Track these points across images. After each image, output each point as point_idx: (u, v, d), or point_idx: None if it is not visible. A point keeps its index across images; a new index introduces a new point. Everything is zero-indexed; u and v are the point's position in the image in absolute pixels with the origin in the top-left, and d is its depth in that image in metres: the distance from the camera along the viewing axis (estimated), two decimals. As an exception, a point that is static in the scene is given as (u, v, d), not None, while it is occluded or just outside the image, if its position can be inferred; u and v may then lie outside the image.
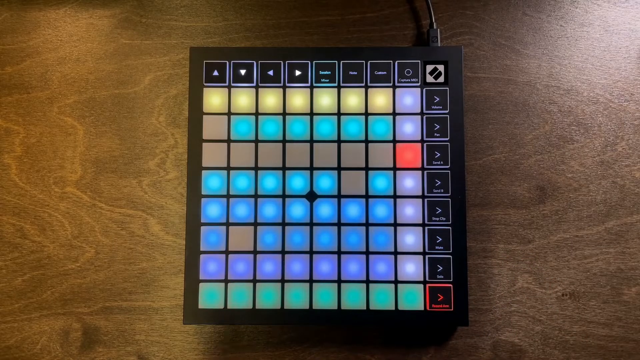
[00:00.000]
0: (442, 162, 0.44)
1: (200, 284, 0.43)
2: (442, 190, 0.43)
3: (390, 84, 0.45)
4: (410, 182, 0.44)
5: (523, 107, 0.46)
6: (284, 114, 0.45)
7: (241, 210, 0.44)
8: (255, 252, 0.43)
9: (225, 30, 0.48)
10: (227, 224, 0.43)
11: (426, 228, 0.43)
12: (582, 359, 0.44)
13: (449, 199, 0.43)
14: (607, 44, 0.47)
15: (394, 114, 0.44)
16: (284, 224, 0.43)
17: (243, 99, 0.45)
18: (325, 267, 0.43)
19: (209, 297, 0.43)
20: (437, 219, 0.43)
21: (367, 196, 0.44)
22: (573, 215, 0.45)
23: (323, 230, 0.43)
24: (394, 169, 0.44)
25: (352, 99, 0.45)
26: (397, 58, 0.45)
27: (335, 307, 0.42)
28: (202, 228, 0.43)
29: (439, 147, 0.44)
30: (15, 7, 0.48)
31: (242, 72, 0.45)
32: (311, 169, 0.44)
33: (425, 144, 0.44)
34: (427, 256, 0.43)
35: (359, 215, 0.43)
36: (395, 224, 0.43)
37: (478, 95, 0.47)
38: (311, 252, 0.43)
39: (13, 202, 0.46)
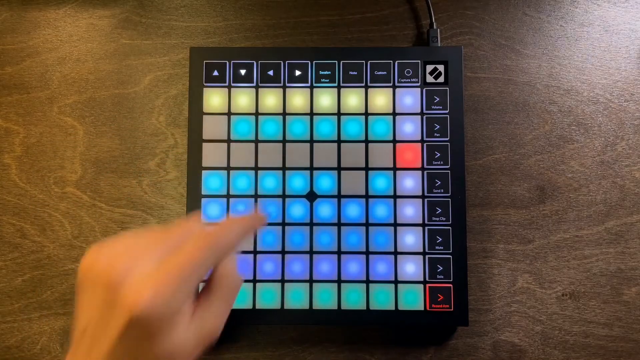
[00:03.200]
0: (442, 162, 0.44)
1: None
2: (442, 190, 0.43)
3: (390, 84, 0.45)
4: (410, 182, 0.44)
5: (523, 107, 0.46)
6: (284, 114, 0.44)
7: (241, 210, 0.44)
8: (255, 252, 0.43)
9: (225, 30, 0.48)
10: (227, 224, 0.43)
11: (426, 228, 0.43)
12: (582, 359, 0.44)
13: (449, 199, 0.43)
14: (607, 44, 0.47)
15: (394, 114, 0.44)
16: (284, 224, 0.43)
17: (243, 99, 0.45)
18: (325, 267, 0.43)
19: (209, 297, 0.43)
20: (437, 219, 0.43)
21: (367, 196, 0.44)
22: (573, 215, 0.45)
23: (323, 230, 0.43)
24: (394, 169, 0.44)
25: (352, 99, 0.45)
26: (397, 58, 0.45)
27: (335, 307, 0.42)
28: (202, 228, 0.43)
29: (439, 147, 0.44)
30: (15, 7, 0.48)
31: (242, 72, 0.45)
32: (311, 169, 0.44)
33: (425, 144, 0.44)
34: (427, 256, 0.43)
35: (359, 215, 0.43)
36: (395, 224, 0.43)
37: (478, 95, 0.47)
38: (311, 252, 0.43)
39: (13, 202, 0.46)
